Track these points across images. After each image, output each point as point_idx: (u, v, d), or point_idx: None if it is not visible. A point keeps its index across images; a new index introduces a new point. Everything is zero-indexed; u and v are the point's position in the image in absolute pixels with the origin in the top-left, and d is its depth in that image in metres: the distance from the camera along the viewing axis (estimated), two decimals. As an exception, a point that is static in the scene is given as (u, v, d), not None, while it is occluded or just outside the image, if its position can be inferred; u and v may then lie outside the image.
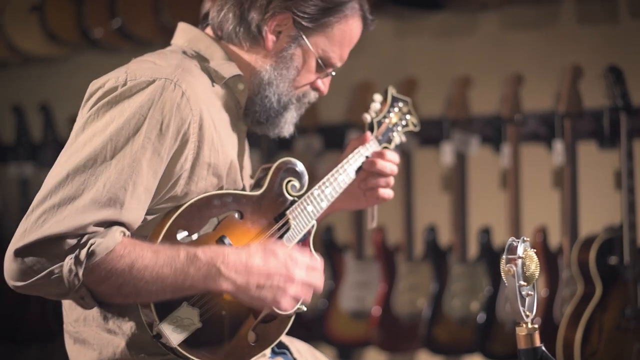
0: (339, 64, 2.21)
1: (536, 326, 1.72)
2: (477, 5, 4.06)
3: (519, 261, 1.69)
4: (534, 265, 1.72)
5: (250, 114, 2.18)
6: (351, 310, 4.23)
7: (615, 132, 3.54)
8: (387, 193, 2.32)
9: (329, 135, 4.37)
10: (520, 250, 1.70)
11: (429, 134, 4.14)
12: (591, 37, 3.93)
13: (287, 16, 2.13)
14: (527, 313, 1.73)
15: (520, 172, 3.85)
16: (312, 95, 2.23)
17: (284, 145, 4.47)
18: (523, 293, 1.70)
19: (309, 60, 2.16)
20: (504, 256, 1.69)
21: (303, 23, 2.13)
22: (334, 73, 2.22)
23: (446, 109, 4.12)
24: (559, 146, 3.74)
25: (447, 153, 4.04)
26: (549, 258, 3.69)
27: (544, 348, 1.70)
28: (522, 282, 1.69)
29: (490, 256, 3.89)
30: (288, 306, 2.03)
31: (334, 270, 4.28)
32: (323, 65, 2.18)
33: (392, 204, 4.29)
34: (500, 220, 3.92)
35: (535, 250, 1.72)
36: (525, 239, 1.71)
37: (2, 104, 5.25)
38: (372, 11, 2.26)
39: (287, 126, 2.23)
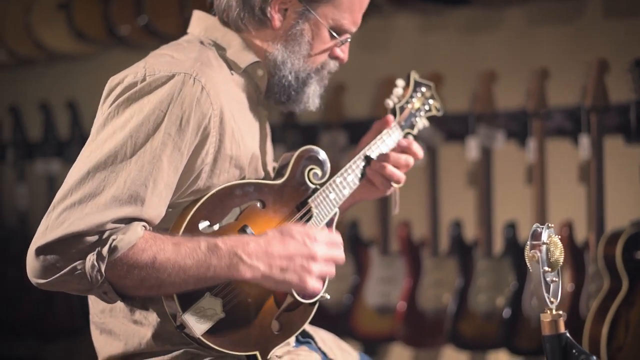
0: (353, 29, 2.18)
1: (561, 312, 1.71)
2: (502, 0, 4.05)
3: (544, 247, 1.68)
4: (558, 252, 1.71)
5: (271, 95, 2.17)
6: (376, 306, 4.23)
7: (642, 126, 3.52)
8: (393, 184, 2.28)
9: (354, 131, 4.37)
10: (544, 237, 1.69)
11: (454, 129, 4.13)
12: (617, 31, 3.90)
13: None
14: (552, 299, 1.72)
15: (546, 167, 3.83)
16: (332, 65, 2.21)
17: (309, 140, 4.46)
18: (547, 279, 1.70)
19: (320, 32, 2.13)
20: (528, 242, 1.69)
21: None
22: (349, 39, 2.19)
23: (471, 104, 4.10)
24: (585, 141, 3.71)
25: (472, 148, 4.03)
26: (575, 253, 3.67)
27: (568, 334, 1.70)
28: (546, 268, 1.68)
29: (516, 251, 3.87)
30: (315, 286, 2.03)
31: (359, 265, 4.28)
32: (336, 34, 2.15)
33: (417, 199, 4.32)
34: (526, 215, 3.91)
35: (560, 236, 1.71)
36: (550, 225, 1.71)
37: (30, 101, 5.30)
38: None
39: (311, 100, 2.20)
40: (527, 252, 1.69)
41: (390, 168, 2.25)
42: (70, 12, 4.73)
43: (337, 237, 2.08)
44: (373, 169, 2.25)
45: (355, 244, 4.30)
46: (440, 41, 4.36)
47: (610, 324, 3.30)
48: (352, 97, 4.41)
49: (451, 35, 4.33)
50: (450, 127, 4.15)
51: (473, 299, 3.94)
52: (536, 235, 1.69)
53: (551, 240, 1.70)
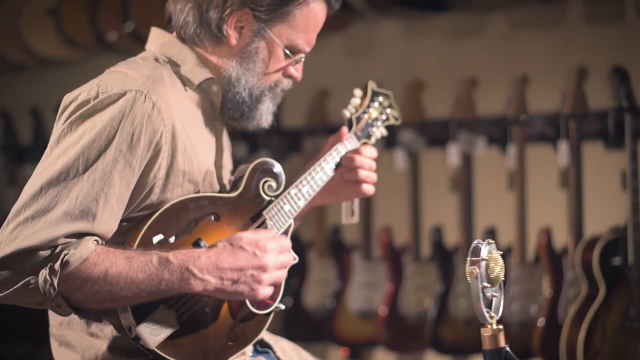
0: (307, 49, 2.21)
1: (501, 327, 1.73)
2: (483, 6, 4.06)
3: (483, 263, 1.71)
4: (498, 268, 1.73)
5: (225, 111, 2.21)
6: (359, 310, 4.25)
7: (620, 132, 3.52)
8: (368, 189, 2.33)
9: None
10: (484, 253, 1.71)
11: (436, 134, 4.15)
12: (598, 38, 3.92)
13: (246, 11, 2.14)
14: (493, 314, 1.74)
15: (527, 173, 3.85)
16: (286, 83, 2.24)
17: (294, 146, 4.51)
18: (488, 294, 1.72)
19: (274, 51, 2.17)
20: (468, 258, 1.71)
21: (262, 16, 2.14)
22: (303, 59, 2.22)
23: (453, 110, 4.12)
24: (564, 147, 3.73)
25: (453, 154, 4.04)
26: (554, 258, 3.69)
27: (508, 348, 1.72)
28: (485, 284, 1.71)
29: (496, 257, 3.88)
30: (266, 293, 2.07)
31: (342, 270, 4.31)
32: (290, 53, 2.19)
33: (399, 205, 4.34)
34: (508, 221, 3.92)
35: (501, 252, 1.74)
36: (490, 241, 1.73)
37: (20, 106, 5.34)
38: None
39: (264, 117, 2.23)
40: (467, 268, 1.72)
41: (362, 172, 2.29)
42: (59, 18, 4.76)
43: (286, 242, 2.13)
44: (344, 176, 2.29)
45: (337, 249, 4.33)
46: (423, 47, 4.38)
47: (587, 329, 3.33)
48: (336, 103, 4.44)
49: (434, 42, 4.35)
50: (432, 133, 4.17)
51: (454, 304, 3.96)
52: (476, 252, 1.71)
53: (491, 257, 1.72)
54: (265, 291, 2.06)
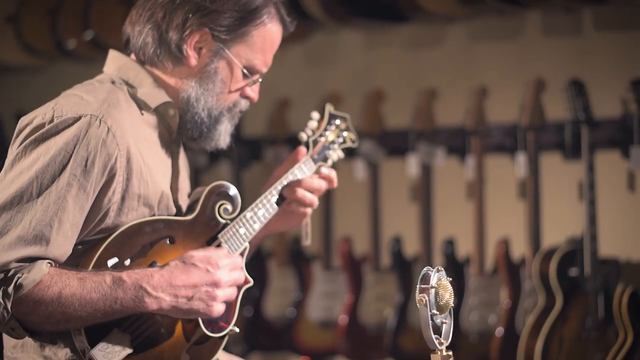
0: (264, 70, 2.23)
1: (450, 353, 1.75)
2: (443, 18, 4.09)
3: (432, 291, 1.72)
4: (447, 295, 1.74)
5: (183, 132, 2.20)
6: (319, 320, 4.27)
7: (577, 144, 3.56)
8: (307, 212, 2.34)
9: (298, 146, 4.40)
10: (433, 280, 1.73)
11: (396, 145, 4.17)
12: (556, 50, 3.95)
13: (205, 31, 2.15)
14: (442, 341, 1.76)
15: (485, 184, 3.88)
16: (243, 104, 2.24)
17: (254, 155, 4.52)
18: (437, 321, 1.74)
19: (233, 71, 2.19)
20: (417, 286, 1.73)
21: (222, 36, 2.15)
22: (260, 80, 2.24)
23: (412, 120, 4.14)
24: (522, 158, 3.76)
25: (412, 164, 4.07)
26: (512, 269, 3.73)
27: (457, 375, 1.74)
28: (434, 311, 1.72)
29: (454, 267, 3.91)
30: (220, 311, 2.08)
31: (302, 280, 4.33)
32: (249, 73, 2.20)
33: (359, 215, 4.36)
34: (467, 231, 3.95)
35: (450, 279, 1.75)
36: (439, 268, 1.74)
37: (-20, 113, 5.29)
38: (290, 12, 2.29)
39: (222, 138, 2.24)
40: (416, 295, 1.73)
41: (301, 191, 2.28)
42: (19, 26, 4.74)
43: (238, 260, 2.14)
44: (286, 195, 2.29)
45: (298, 259, 4.34)
46: (383, 58, 4.40)
47: (544, 339, 3.37)
48: (297, 113, 4.45)
49: (394, 52, 4.36)
50: (392, 143, 4.19)
51: (413, 314, 3.98)
52: (425, 279, 1.72)
53: (440, 284, 1.73)
54: (219, 308, 2.07)
